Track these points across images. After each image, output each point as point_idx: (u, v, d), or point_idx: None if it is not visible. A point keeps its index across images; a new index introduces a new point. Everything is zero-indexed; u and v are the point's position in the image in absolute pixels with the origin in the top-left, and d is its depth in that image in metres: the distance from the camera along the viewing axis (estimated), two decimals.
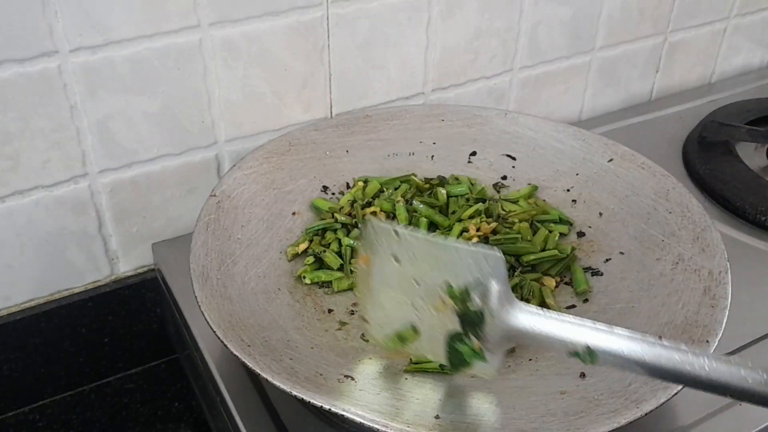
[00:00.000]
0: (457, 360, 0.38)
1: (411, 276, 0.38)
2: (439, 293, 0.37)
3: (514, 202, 0.54)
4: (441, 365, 0.40)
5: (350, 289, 0.48)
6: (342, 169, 0.56)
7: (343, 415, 0.35)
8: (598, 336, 0.33)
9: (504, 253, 0.49)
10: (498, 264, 0.36)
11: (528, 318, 0.35)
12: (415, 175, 0.56)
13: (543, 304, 0.46)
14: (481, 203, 0.54)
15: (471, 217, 0.52)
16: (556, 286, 0.48)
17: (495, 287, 0.35)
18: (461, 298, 0.36)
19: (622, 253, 0.49)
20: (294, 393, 0.36)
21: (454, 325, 0.37)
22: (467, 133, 0.59)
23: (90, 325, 0.58)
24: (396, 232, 0.38)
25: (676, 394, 0.36)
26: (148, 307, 0.60)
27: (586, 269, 0.49)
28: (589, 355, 0.33)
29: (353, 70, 0.60)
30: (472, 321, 0.36)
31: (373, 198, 0.54)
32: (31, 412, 0.59)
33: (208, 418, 0.55)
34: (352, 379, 0.39)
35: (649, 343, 0.32)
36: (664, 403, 0.36)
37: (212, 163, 0.58)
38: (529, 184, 0.56)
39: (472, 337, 0.37)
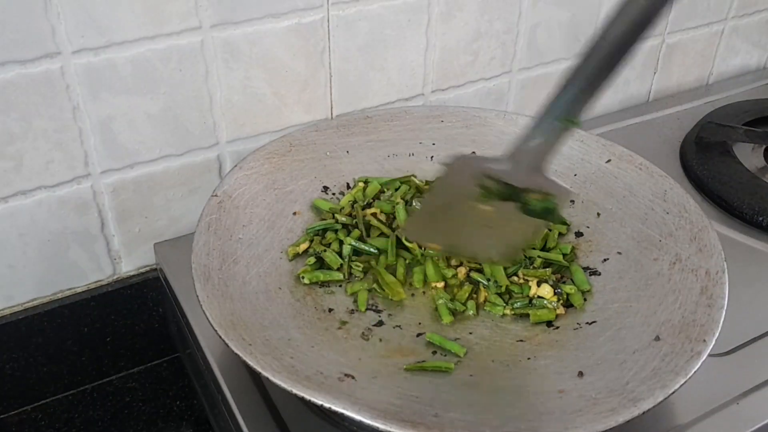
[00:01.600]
0: (550, 216, 0.43)
1: (455, 219, 0.45)
2: (478, 208, 0.43)
3: None
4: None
5: (369, 290, 0.48)
6: (342, 170, 0.56)
7: (343, 414, 0.36)
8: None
9: None
10: (464, 157, 0.44)
11: (514, 149, 0.41)
12: (415, 176, 0.56)
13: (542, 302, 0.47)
14: None
15: None
16: (555, 289, 0.48)
17: (486, 165, 0.42)
18: (486, 194, 0.43)
19: (619, 253, 0.50)
20: (295, 392, 0.36)
21: (513, 208, 0.43)
22: (466, 134, 0.59)
23: (92, 325, 0.58)
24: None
25: (673, 392, 0.37)
26: (150, 307, 0.60)
27: (584, 269, 0.49)
28: (568, 120, 0.40)
29: (353, 72, 0.60)
30: (510, 193, 0.42)
31: (374, 199, 0.54)
32: (34, 411, 0.59)
33: (210, 416, 0.55)
34: (353, 377, 0.39)
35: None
36: (661, 401, 0.36)
37: (214, 164, 0.58)
38: None
39: (527, 196, 0.42)
